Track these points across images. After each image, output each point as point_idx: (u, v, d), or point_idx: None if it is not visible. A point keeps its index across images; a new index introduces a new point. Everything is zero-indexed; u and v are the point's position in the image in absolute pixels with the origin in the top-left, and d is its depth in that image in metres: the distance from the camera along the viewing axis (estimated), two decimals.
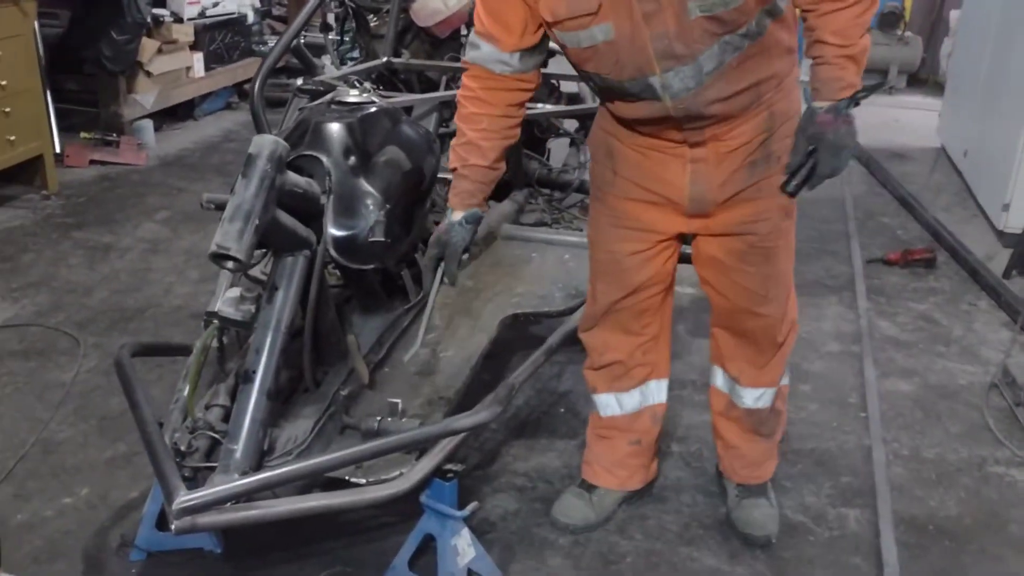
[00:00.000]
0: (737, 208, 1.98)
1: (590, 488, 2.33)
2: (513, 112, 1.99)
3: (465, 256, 2.03)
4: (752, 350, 2.16)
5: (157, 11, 5.40)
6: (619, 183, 2.04)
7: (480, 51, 1.92)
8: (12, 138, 4.17)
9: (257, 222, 1.74)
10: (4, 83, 4.07)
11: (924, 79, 7.93)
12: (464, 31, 3.54)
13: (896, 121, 6.63)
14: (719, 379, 2.26)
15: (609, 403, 2.28)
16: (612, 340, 2.21)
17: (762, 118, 1.91)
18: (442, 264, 2.02)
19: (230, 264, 1.71)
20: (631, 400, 2.28)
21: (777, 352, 2.16)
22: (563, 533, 2.26)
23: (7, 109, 4.11)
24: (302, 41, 3.41)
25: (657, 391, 2.30)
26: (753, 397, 2.21)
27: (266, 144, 1.81)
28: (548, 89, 3.58)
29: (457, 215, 2.01)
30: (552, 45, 1.95)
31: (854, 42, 1.75)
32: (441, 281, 2.04)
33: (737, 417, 2.26)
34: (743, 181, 1.95)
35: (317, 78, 3.07)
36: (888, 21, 7.43)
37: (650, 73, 1.79)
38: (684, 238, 2.13)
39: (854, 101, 1.78)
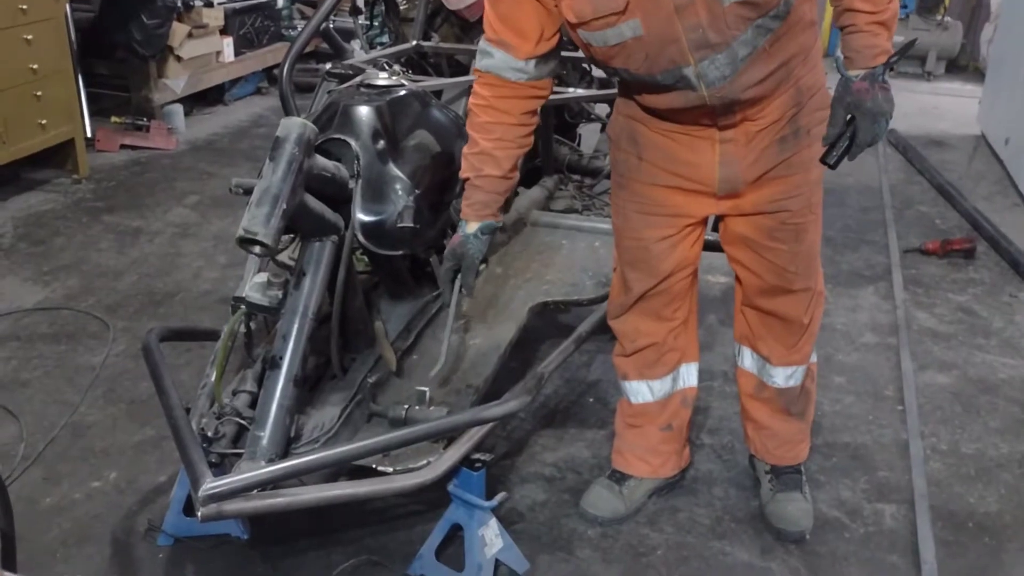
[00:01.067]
0: (768, 186, 1.94)
1: (620, 479, 2.30)
2: (527, 120, 1.94)
3: (483, 267, 1.99)
4: (782, 328, 2.12)
5: None
6: (645, 168, 2.00)
7: (493, 59, 1.86)
8: (43, 122, 4.18)
9: (285, 206, 1.71)
10: (35, 67, 4.09)
11: (964, 65, 7.77)
12: None
13: (935, 108, 6.50)
14: (747, 360, 2.22)
15: (640, 390, 2.24)
16: (644, 326, 2.18)
17: (790, 94, 1.87)
18: (459, 277, 1.98)
19: (257, 249, 1.69)
20: (663, 387, 2.24)
21: (807, 328, 2.13)
22: (592, 525, 2.23)
23: (38, 93, 4.13)
24: (331, 25, 3.39)
25: (687, 375, 2.27)
26: (784, 376, 2.17)
27: (294, 127, 1.79)
28: (579, 73, 3.53)
29: (472, 226, 1.96)
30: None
31: (884, 7, 1.73)
32: (460, 292, 1.99)
33: (768, 397, 2.22)
34: (773, 158, 1.91)
35: (346, 62, 3.04)
36: (927, 6, 7.29)
37: (684, 64, 1.74)
38: (708, 221, 2.10)
39: (889, 67, 1.75)
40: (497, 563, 2.02)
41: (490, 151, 1.91)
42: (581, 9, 1.71)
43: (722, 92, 1.78)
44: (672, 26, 1.68)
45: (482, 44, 1.87)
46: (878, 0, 1.72)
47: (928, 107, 6.49)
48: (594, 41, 1.75)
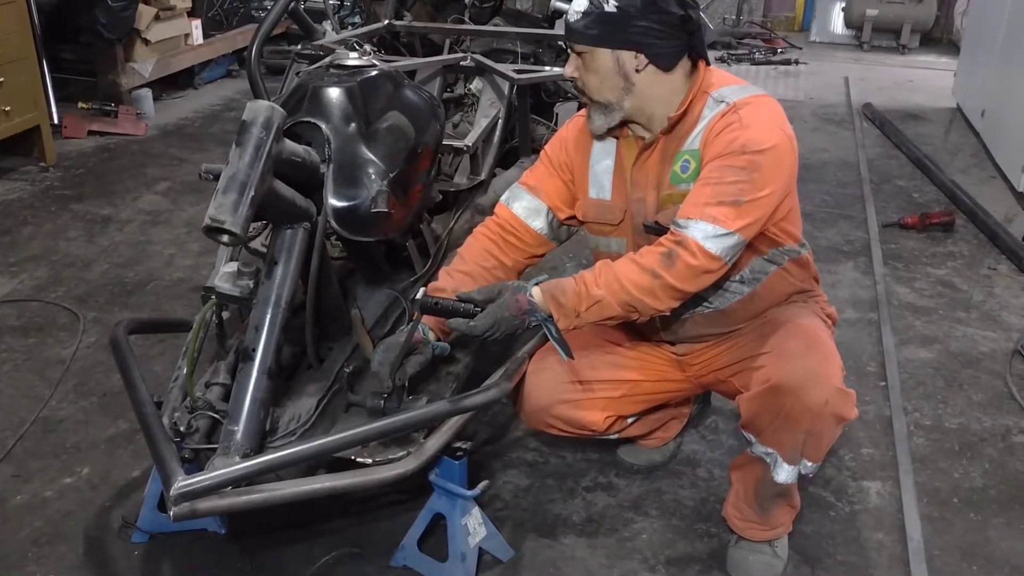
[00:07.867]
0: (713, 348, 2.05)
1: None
2: (517, 271, 2.08)
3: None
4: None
5: None
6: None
7: (522, 201, 2.04)
8: (7, 109, 4.08)
9: (253, 193, 1.64)
10: None
11: (938, 38, 7.79)
12: None
13: (910, 81, 6.49)
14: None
15: None
16: None
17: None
18: (402, 363, 1.85)
19: (225, 238, 1.63)
20: None
21: None
22: (576, 510, 2.21)
23: (1, 79, 4.02)
24: (301, 5, 3.31)
25: None
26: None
27: (261, 110, 1.72)
28: (555, 51, 3.47)
29: (432, 336, 1.96)
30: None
31: (608, 293, 1.72)
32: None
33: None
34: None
35: (316, 42, 2.96)
36: None
37: None
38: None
39: (546, 326, 1.75)
40: (481, 552, 1.99)
41: (476, 276, 1.98)
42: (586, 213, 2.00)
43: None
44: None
45: (515, 188, 2.06)
46: (614, 282, 1.71)
47: (903, 80, 6.48)
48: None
